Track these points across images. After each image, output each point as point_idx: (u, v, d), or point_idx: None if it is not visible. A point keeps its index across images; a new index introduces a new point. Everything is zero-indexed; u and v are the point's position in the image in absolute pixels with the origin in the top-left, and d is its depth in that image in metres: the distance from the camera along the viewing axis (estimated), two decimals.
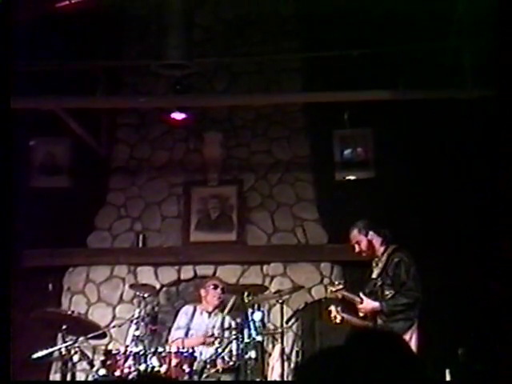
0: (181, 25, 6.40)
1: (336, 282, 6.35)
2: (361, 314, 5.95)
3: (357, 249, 6.15)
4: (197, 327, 6.98)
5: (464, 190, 7.42)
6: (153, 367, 5.84)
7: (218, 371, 6.16)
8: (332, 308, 5.99)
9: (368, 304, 5.88)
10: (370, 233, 6.09)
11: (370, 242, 6.07)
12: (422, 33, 6.86)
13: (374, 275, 6.04)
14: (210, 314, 7.08)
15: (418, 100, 7.14)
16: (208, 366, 6.14)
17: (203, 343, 6.59)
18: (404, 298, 5.82)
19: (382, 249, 6.07)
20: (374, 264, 6.11)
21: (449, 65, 6.79)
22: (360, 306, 5.91)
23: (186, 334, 6.94)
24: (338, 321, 5.94)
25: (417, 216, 7.69)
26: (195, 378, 5.96)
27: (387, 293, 5.89)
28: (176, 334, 6.99)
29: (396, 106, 7.24)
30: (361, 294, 5.94)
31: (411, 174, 7.81)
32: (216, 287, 7.11)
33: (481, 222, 6.75)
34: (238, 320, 6.49)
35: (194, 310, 7.13)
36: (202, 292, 7.19)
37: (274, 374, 6.37)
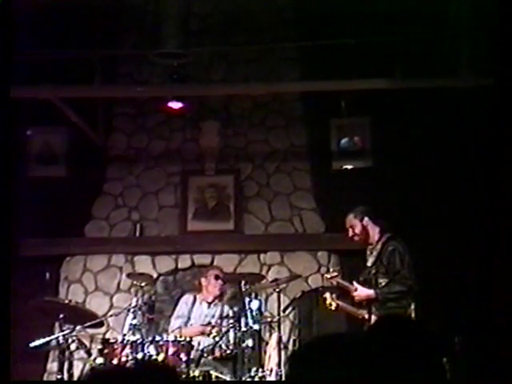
0: (177, 14, 6.40)
1: (331, 269, 6.40)
2: (356, 300, 5.99)
3: (350, 233, 6.19)
4: (196, 316, 6.99)
5: (461, 179, 7.43)
6: (150, 356, 5.87)
7: (215, 359, 6.19)
8: (327, 295, 6.04)
9: (362, 291, 5.92)
10: (365, 219, 6.13)
11: (364, 228, 6.11)
12: (419, 21, 6.86)
13: (369, 263, 6.08)
14: (209, 304, 7.08)
15: (415, 89, 7.14)
16: (205, 355, 6.17)
17: (202, 333, 6.60)
18: (398, 285, 5.85)
19: (376, 237, 6.11)
20: (368, 252, 6.15)
21: (446, 54, 6.78)
22: (354, 294, 5.95)
23: (186, 324, 6.95)
24: (333, 308, 5.99)
25: (413, 205, 7.70)
26: (192, 366, 5.99)
27: (381, 281, 5.93)
28: (176, 323, 7.00)
29: (393, 95, 7.24)
30: (355, 283, 5.98)
31: (408, 162, 7.82)
32: (217, 278, 7.10)
33: (478, 210, 6.78)
34: (236, 309, 6.52)
35: (194, 300, 7.13)
36: (203, 281, 7.17)
37: (271, 362, 6.39)
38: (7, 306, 4.35)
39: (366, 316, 5.88)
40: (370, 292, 5.87)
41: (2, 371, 4.23)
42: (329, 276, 6.28)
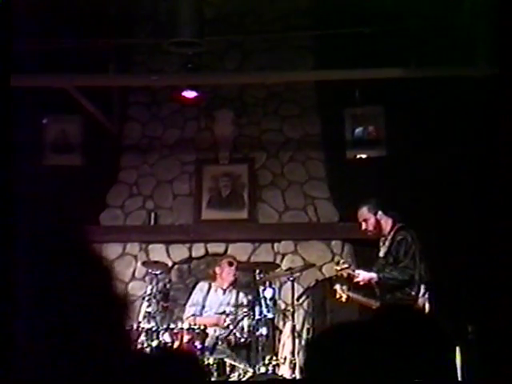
0: (192, 2, 6.39)
1: (341, 261, 6.34)
2: (361, 283, 5.95)
3: (363, 226, 6.15)
4: (211, 304, 7.03)
5: (477, 168, 7.39)
6: (165, 343, 5.91)
7: (229, 347, 6.23)
8: (337, 287, 6.01)
9: (365, 275, 5.89)
10: (379, 212, 6.08)
11: (377, 222, 6.08)
12: (434, 10, 6.83)
13: (381, 254, 6.06)
14: (224, 290, 7.13)
15: (430, 78, 7.11)
16: (219, 343, 6.20)
17: (216, 324, 6.61)
18: (399, 273, 5.82)
19: (388, 228, 6.08)
20: (381, 243, 6.12)
21: (461, 42, 6.75)
22: (358, 279, 5.91)
23: (201, 311, 6.99)
24: (343, 300, 5.97)
25: (428, 195, 7.68)
26: (207, 354, 6.03)
27: (387, 270, 5.92)
28: (191, 310, 7.04)
29: (408, 84, 7.21)
30: (356, 270, 5.97)
31: (422, 152, 7.79)
32: (231, 264, 7.17)
33: (491, 199, 6.74)
34: (250, 297, 6.55)
35: (209, 287, 7.18)
36: (217, 269, 7.23)
37: (284, 350, 6.42)
38: (8, 305, 4.37)
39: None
40: (373, 275, 5.86)
41: (2, 371, 4.26)
42: (339, 268, 6.20)
